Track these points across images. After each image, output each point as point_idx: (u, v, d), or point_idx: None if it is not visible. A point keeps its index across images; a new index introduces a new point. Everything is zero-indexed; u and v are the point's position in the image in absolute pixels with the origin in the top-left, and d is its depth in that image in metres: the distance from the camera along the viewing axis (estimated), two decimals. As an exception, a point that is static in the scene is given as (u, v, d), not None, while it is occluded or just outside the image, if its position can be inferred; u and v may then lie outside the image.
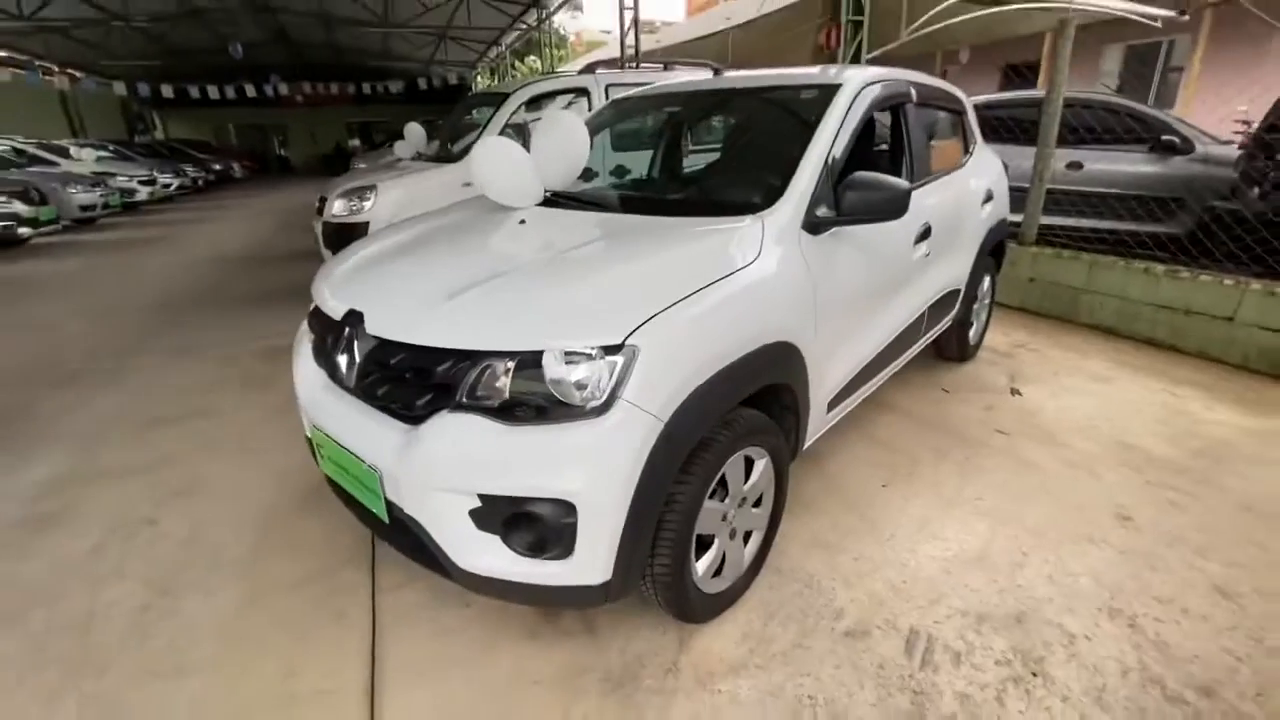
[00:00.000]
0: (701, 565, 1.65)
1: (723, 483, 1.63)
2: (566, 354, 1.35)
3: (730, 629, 1.74)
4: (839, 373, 2.09)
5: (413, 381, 1.51)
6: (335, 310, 1.71)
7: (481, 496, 1.40)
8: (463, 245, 1.94)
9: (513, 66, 27.79)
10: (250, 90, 16.93)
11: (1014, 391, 3.16)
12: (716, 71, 3.03)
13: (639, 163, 2.79)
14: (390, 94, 18.84)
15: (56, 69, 17.54)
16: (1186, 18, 7.94)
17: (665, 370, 1.38)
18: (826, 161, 1.95)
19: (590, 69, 5.65)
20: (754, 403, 1.70)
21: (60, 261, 7.67)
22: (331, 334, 1.71)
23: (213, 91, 17.21)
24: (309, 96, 19.38)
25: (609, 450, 1.33)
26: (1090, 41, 9.34)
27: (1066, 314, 4.16)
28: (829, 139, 1.99)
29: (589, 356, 1.34)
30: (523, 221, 2.01)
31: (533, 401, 1.37)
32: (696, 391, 1.43)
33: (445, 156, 5.64)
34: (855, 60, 5.47)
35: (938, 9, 5.95)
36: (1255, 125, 4.54)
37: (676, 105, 2.79)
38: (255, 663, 1.67)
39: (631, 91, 2.82)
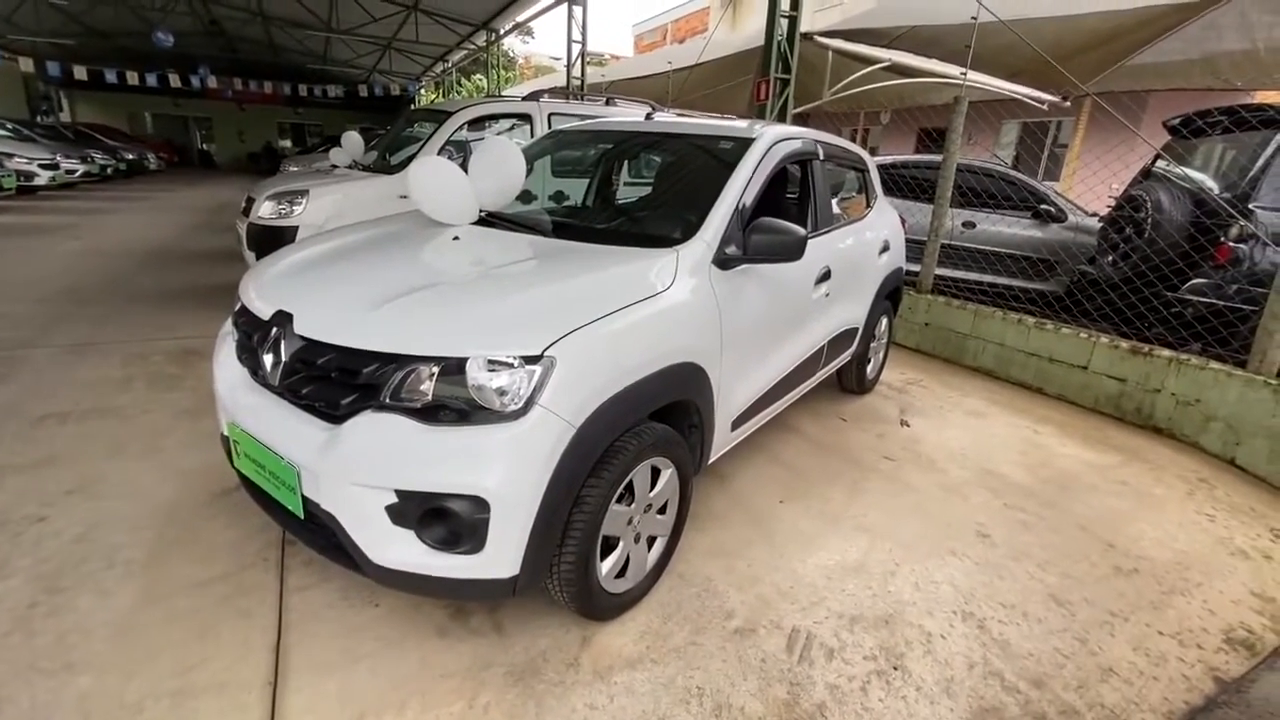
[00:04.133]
0: (606, 565, 1.78)
1: (630, 489, 1.78)
2: (490, 362, 1.47)
3: (630, 627, 1.87)
4: (742, 395, 2.31)
5: (338, 381, 1.59)
6: (263, 310, 1.76)
7: (398, 493, 1.48)
8: (395, 256, 2.03)
9: (458, 83, 27.74)
10: (175, 80, 16.13)
11: (903, 423, 3.49)
12: (651, 112, 3.27)
13: (575, 189, 2.97)
14: (328, 98, 18.40)
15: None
16: (1069, 103, 9.02)
17: (579, 381, 1.53)
18: (738, 206, 2.19)
19: (534, 96, 5.85)
20: (662, 416, 1.87)
21: (-62, 244, 7.01)
22: (258, 333, 1.76)
23: (132, 77, 16.26)
24: (240, 93, 18.64)
25: (523, 451, 1.46)
26: (992, 116, 10.49)
27: (954, 356, 4.62)
28: (741, 185, 2.23)
29: (510, 365, 1.47)
30: (456, 238, 2.13)
31: (454, 405, 1.48)
32: (608, 402, 1.59)
33: (382, 168, 5.64)
34: (783, 113, 5.91)
35: (855, 75, 6.54)
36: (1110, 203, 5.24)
37: (612, 142, 3.00)
38: (151, 659, 1.65)
39: (573, 123, 3.01)
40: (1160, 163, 4.66)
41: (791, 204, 2.86)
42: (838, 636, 1.90)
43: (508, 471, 1.45)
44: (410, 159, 5.16)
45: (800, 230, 2.07)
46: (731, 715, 1.60)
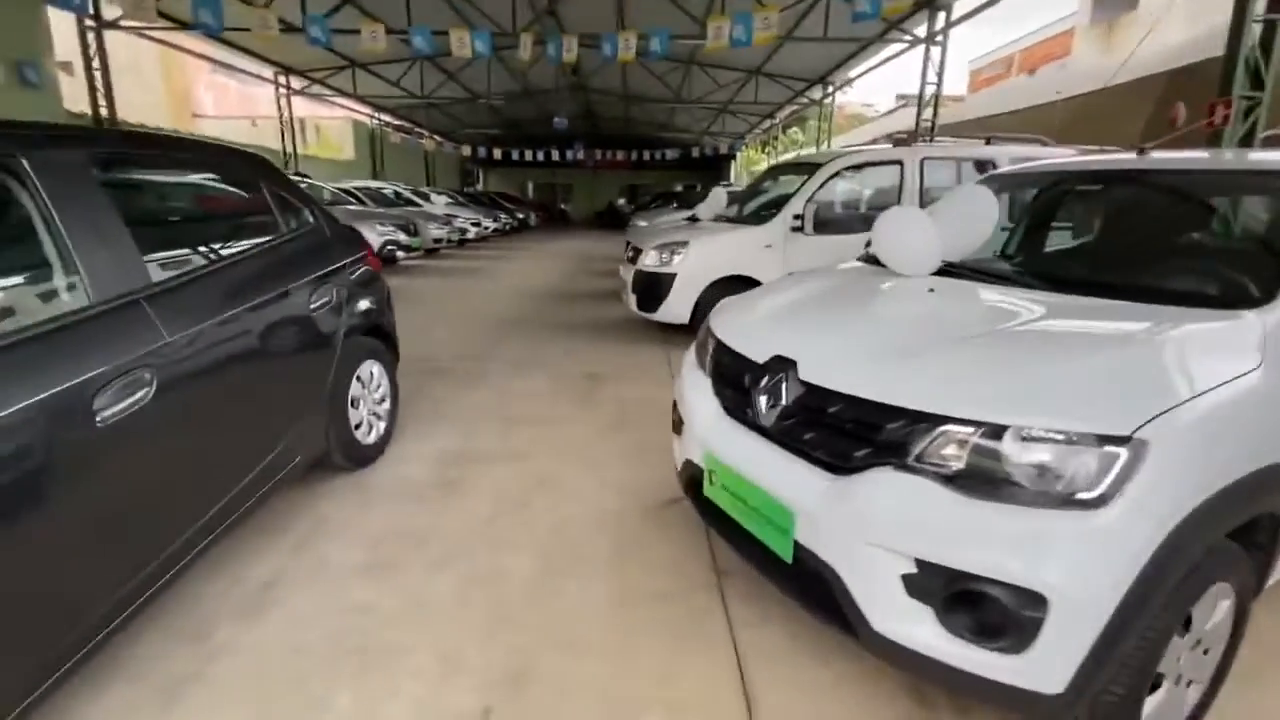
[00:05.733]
0: (1151, 705, 1.40)
1: (1188, 618, 1.39)
2: (1053, 434, 1.28)
3: (1165, 795, 1.44)
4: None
5: (849, 433, 1.56)
6: (757, 353, 1.86)
7: (920, 563, 1.37)
8: (876, 306, 2.00)
9: (774, 140, 29.00)
10: (556, 154, 20.24)
11: None
12: (1144, 147, 2.70)
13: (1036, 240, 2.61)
14: (666, 160, 20.97)
15: (427, 134, 22.88)
16: None
17: (1178, 474, 1.23)
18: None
19: (902, 142, 5.63)
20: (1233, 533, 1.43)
21: (419, 279, 9.78)
22: (749, 374, 1.87)
23: (528, 154, 20.92)
24: (598, 161, 22.46)
25: (1106, 548, 1.21)
26: None
27: None
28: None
29: (1081, 442, 1.25)
30: (931, 290, 2.01)
31: (999, 476, 1.31)
32: (1203, 505, 1.25)
33: (743, 219, 6.02)
34: (1247, 140, 4.60)
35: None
36: None
37: (1097, 183, 2.56)
38: (638, 660, 1.82)
39: (1022, 165, 2.69)
40: None
41: None
42: None
43: (1082, 569, 1.22)
44: (771, 211, 5.40)
45: None
46: None
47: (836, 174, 5.34)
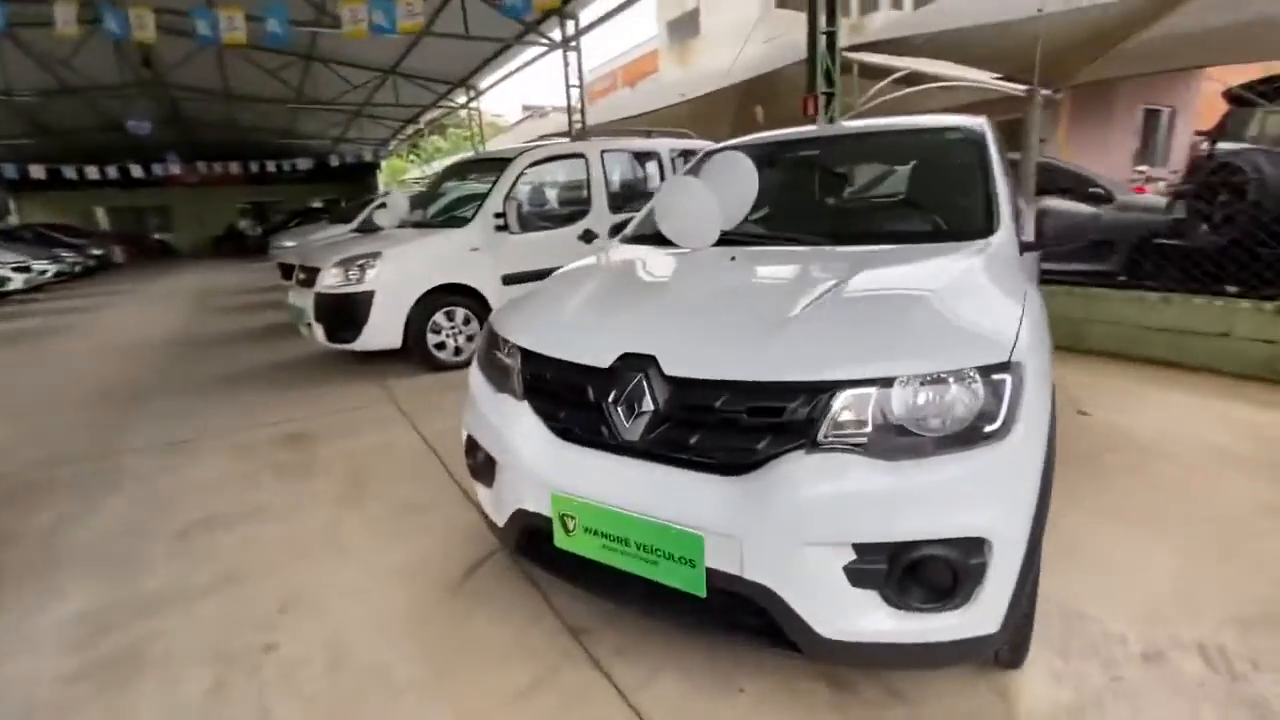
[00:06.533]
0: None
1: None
2: (948, 374, 1.25)
3: (1034, 669, 1.62)
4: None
5: (743, 424, 1.33)
6: (599, 358, 1.50)
7: (859, 547, 1.24)
8: (703, 284, 1.82)
9: (414, 146, 27.76)
10: (139, 170, 15.65)
11: (1081, 412, 3.34)
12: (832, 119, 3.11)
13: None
14: (296, 171, 18.06)
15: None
16: (1059, 94, 9.45)
17: (1040, 387, 1.32)
18: (1009, 193, 2.04)
19: (585, 137, 5.75)
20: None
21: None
22: (594, 385, 1.50)
23: (91, 172, 15.73)
24: (204, 176, 18.14)
25: (1021, 475, 1.23)
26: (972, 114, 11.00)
27: (1073, 343, 4.53)
28: (1002, 173, 2.09)
29: (974, 375, 1.25)
30: (733, 259, 1.92)
31: (917, 432, 1.24)
32: (1053, 412, 1.38)
33: (434, 223, 5.42)
34: (831, 124, 5.94)
35: (884, 82, 6.68)
36: (1184, 177, 5.34)
37: (802, 151, 2.82)
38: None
39: (745, 139, 2.83)
40: (1246, 130, 4.78)
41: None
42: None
43: (1010, 501, 1.22)
44: (477, 210, 4.95)
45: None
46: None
47: (526, 169, 5.14)
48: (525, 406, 1.66)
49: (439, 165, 23.69)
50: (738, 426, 1.34)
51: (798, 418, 1.28)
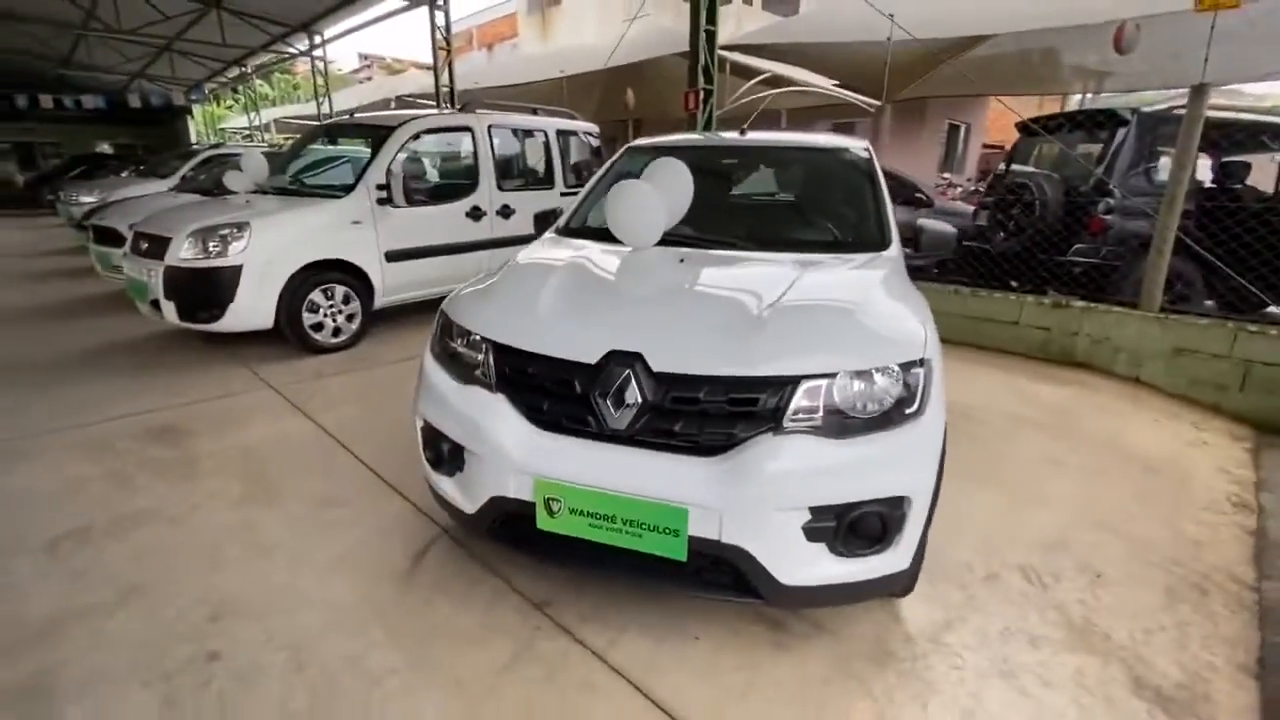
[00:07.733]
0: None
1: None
2: (879, 370, 1.58)
3: (913, 598, 2.06)
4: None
5: (722, 413, 1.56)
6: (585, 354, 1.64)
7: (814, 510, 1.53)
8: (667, 284, 2.02)
9: (235, 91, 24.27)
10: None
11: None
12: (744, 129, 3.30)
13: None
14: (80, 109, 14.96)
15: None
16: (887, 107, 10.81)
17: (940, 376, 1.70)
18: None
19: (470, 108, 5.58)
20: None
21: None
22: (580, 379, 1.63)
23: None
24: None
25: (930, 445, 1.60)
26: (815, 119, 12.29)
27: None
28: (885, 193, 2.51)
29: (897, 370, 1.59)
30: (682, 260, 2.11)
31: (857, 415, 1.56)
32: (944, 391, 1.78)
33: (304, 191, 4.97)
34: (709, 122, 6.32)
35: (752, 82, 7.23)
36: (984, 192, 6.46)
37: (732, 158, 3.06)
38: (543, 756, 1.48)
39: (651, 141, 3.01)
40: (1031, 155, 5.89)
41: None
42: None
43: (923, 467, 1.58)
44: (359, 179, 4.63)
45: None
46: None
47: (410, 140, 4.89)
48: (501, 398, 1.74)
49: (268, 115, 20.95)
50: (717, 414, 1.57)
51: (768, 406, 1.54)
